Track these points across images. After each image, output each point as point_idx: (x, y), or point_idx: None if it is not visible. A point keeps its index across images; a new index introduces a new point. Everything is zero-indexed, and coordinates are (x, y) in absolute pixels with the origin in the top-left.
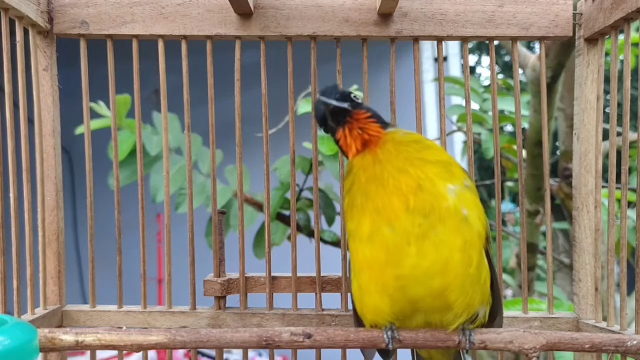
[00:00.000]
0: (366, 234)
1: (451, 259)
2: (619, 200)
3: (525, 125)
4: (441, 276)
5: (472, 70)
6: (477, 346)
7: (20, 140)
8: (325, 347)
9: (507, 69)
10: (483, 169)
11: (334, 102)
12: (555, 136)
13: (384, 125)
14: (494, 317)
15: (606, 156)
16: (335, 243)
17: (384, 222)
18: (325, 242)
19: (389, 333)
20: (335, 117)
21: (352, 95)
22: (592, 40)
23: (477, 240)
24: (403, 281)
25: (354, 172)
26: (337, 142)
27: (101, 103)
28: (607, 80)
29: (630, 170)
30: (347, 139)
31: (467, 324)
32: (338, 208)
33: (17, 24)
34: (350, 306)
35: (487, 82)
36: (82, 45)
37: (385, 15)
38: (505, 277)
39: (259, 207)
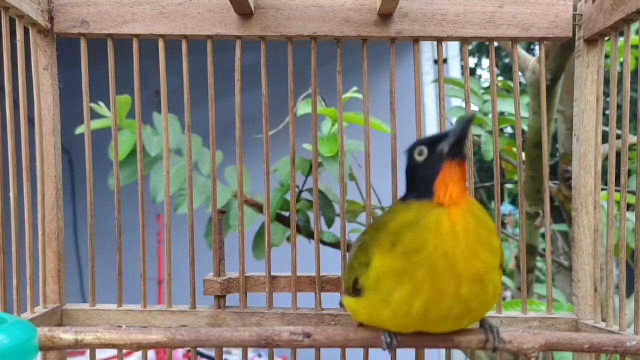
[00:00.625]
0: (415, 307)
1: (477, 316)
2: (618, 202)
3: (525, 127)
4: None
5: (472, 72)
6: (504, 345)
7: (21, 139)
8: (324, 346)
9: (507, 70)
10: (483, 171)
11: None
12: (554, 138)
13: None
14: None
15: (606, 158)
16: (335, 244)
17: (436, 303)
18: (325, 243)
19: (387, 334)
20: (459, 145)
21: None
22: (592, 41)
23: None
24: (424, 329)
25: (427, 226)
26: (433, 172)
27: (101, 103)
28: (606, 82)
29: (629, 173)
30: (450, 175)
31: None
32: (337, 209)
33: (17, 23)
34: None
35: (487, 84)
36: (83, 45)
37: (385, 16)
38: (504, 278)
39: (258, 208)
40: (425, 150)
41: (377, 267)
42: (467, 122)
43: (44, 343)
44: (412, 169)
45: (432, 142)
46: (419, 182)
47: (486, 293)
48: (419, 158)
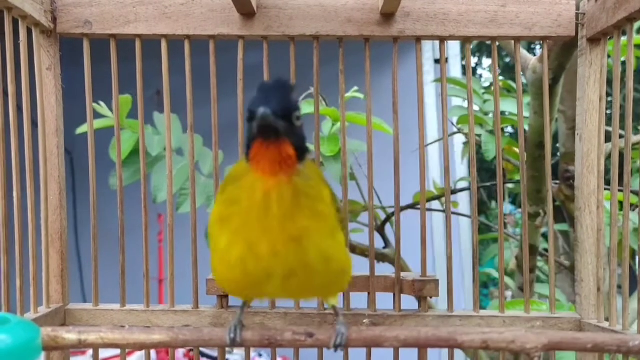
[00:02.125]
0: (233, 256)
1: (321, 283)
2: (621, 202)
3: (526, 127)
4: (309, 291)
5: (473, 71)
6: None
7: (24, 140)
8: (326, 346)
9: (507, 70)
10: (484, 171)
11: (272, 119)
12: (555, 138)
13: (301, 158)
14: None
15: (608, 157)
16: None
17: (255, 258)
18: None
19: (232, 329)
20: (267, 131)
21: (294, 115)
22: (595, 40)
23: (343, 259)
24: (266, 292)
25: (244, 185)
26: (250, 142)
27: (102, 103)
28: (609, 81)
29: (632, 172)
30: (261, 153)
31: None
32: None
33: (20, 23)
34: (352, 305)
35: (487, 84)
36: (86, 45)
37: (387, 15)
38: (505, 279)
39: None
40: (248, 115)
41: (213, 211)
42: (263, 118)
43: (48, 343)
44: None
45: (253, 114)
46: (246, 143)
47: (306, 256)
48: (250, 122)
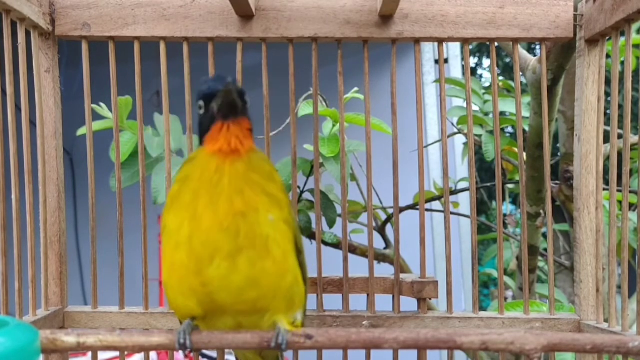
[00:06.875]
0: (182, 235)
1: (262, 275)
2: (620, 202)
3: (526, 127)
4: (252, 290)
5: (473, 71)
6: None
7: (23, 142)
8: (326, 348)
9: (508, 70)
10: (483, 171)
11: (234, 94)
12: (555, 138)
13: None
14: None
15: (607, 158)
16: (336, 245)
17: (201, 231)
18: (327, 244)
19: (182, 333)
20: (229, 107)
21: (245, 97)
22: (593, 41)
23: (287, 258)
24: (210, 288)
25: (197, 164)
26: (208, 126)
27: (103, 105)
28: (607, 81)
29: (630, 173)
30: (221, 133)
31: (285, 324)
32: (339, 210)
33: (19, 26)
34: (352, 307)
35: (488, 84)
36: (84, 47)
37: (386, 17)
38: (505, 279)
39: None
40: (203, 104)
41: (169, 193)
42: (227, 91)
43: (46, 346)
44: (199, 117)
45: (210, 98)
46: (200, 131)
47: (251, 230)
48: (200, 111)
